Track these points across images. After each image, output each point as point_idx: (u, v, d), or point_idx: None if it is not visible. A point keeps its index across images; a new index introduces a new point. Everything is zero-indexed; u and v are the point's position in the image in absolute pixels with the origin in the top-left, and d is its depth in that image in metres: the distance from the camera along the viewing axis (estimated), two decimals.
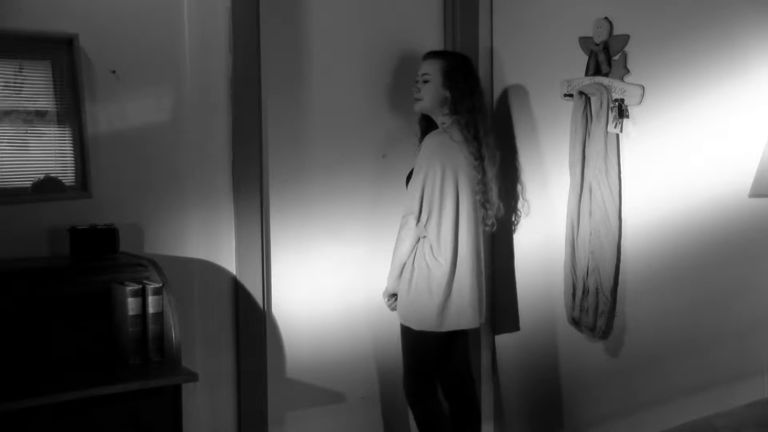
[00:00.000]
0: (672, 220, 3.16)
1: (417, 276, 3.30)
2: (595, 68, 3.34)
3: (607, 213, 3.26)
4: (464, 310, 3.32)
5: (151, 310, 2.79)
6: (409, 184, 3.36)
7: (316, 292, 3.54)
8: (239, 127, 3.27)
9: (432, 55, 3.43)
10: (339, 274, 3.60)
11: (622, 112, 3.24)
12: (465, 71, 3.38)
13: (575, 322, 3.42)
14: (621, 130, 3.25)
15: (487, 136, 3.35)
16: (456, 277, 3.30)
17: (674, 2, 3.12)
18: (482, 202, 3.35)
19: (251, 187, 3.31)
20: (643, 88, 3.19)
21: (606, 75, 3.30)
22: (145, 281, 2.85)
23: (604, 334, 3.37)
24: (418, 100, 3.41)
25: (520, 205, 3.72)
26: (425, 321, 3.30)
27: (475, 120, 3.32)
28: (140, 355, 2.79)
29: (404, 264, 3.33)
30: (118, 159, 3.04)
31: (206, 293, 3.25)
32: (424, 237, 3.30)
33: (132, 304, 2.77)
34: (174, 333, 2.77)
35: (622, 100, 3.24)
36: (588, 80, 3.35)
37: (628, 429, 3.37)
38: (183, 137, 3.18)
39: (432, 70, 3.37)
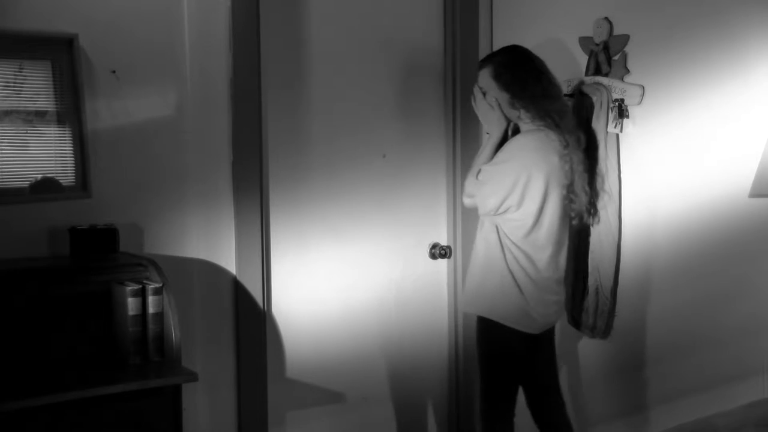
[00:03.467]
0: (672, 220, 3.17)
1: (501, 268, 3.10)
2: (595, 68, 3.34)
3: (607, 213, 3.26)
4: (548, 309, 3.16)
5: (151, 310, 2.79)
6: (493, 168, 3.11)
7: (316, 292, 3.54)
8: (239, 127, 3.27)
9: (481, 64, 3.26)
10: (339, 274, 3.60)
11: (622, 112, 3.24)
12: (512, 64, 3.16)
13: (575, 322, 3.42)
14: (621, 130, 3.25)
15: (564, 119, 3.12)
16: (536, 274, 3.11)
17: (674, 2, 3.12)
18: (568, 195, 3.12)
19: (251, 187, 3.31)
20: (643, 88, 3.20)
21: (606, 75, 3.30)
22: (145, 281, 2.84)
23: (604, 334, 3.37)
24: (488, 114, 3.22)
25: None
26: (512, 317, 3.11)
27: (545, 106, 3.10)
28: (140, 355, 2.79)
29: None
30: (118, 159, 3.04)
31: (206, 293, 3.25)
32: (502, 229, 3.12)
33: (132, 304, 2.77)
34: (174, 333, 2.77)
35: (622, 100, 3.24)
36: (588, 80, 3.35)
37: (628, 429, 3.37)
38: (183, 137, 3.18)
39: (485, 80, 3.19)
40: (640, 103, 3.21)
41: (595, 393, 3.50)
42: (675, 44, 3.10)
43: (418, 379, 3.85)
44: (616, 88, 3.25)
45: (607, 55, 3.30)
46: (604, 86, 3.28)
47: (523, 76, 3.14)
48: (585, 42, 3.38)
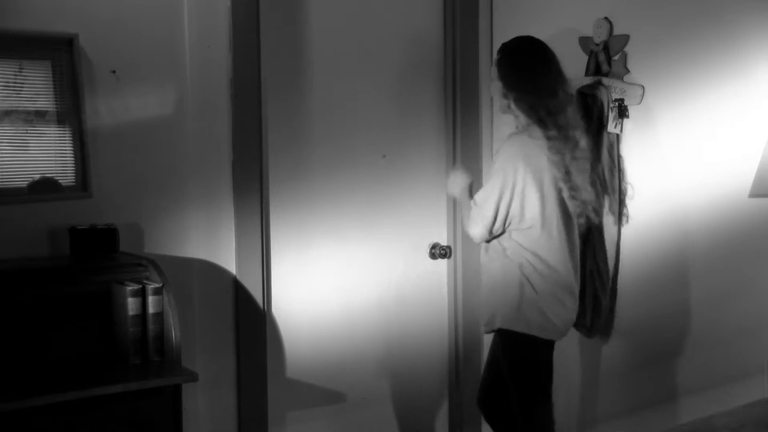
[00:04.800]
0: (672, 220, 3.17)
1: (518, 278, 3.02)
2: (595, 68, 3.34)
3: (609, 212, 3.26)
4: (568, 313, 3.07)
5: (151, 310, 2.79)
6: (486, 193, 3.04)
7: (316, 292, 3.54)
8: (239, 127, 3.27)
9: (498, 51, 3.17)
10: (339, 274, 3.60)
11: (622, 112, 3.24)
12: (513, 54, 3.08)
13: (575, 323, 3.41)
14: (621, 130, 3.25)
15: (554, 116, 2.99)
16: (553, 278, 3.02)
17: (674, 2, 3.12)
18: (570, 193, 3.00)
19: (251, 187, 3.31)
20: (643, 88, 3.20)
21: (606, 75, 3.30)
22: (145, 281, 2.84)
23: (603, 335, 3.36)
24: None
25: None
26: (535, 325, 3.02)
27: (533, 102, 2.99)
28: (140, 355, 2.79)
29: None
30: (118, 159, 3.04)
31: (206, 293, 3.25)
32: (513, 241, 3.04)
33: (132, 304, 2.77)
34: (174, 333, 2.77)
35: (622, 100, 3.24)
36: (588, 80, 3.35)
37: (628, 429, 3.37)
38: (183, 137, 3.18)
39: (494, 68, 3.15)
40: (640, 103, 3.21)
41: (594, 393, 3.50)
42: (675, 44, 3.10)
43: (418, 379, 3.85)
44: (616, 88, 3.25)
45: (607, 55, 3.30)
46: (604, 86, 3.28)
47: (518, 68, 3.06)
48: (585, 42, 3.38)
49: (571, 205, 3.03)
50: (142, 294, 2.79)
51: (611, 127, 3.25)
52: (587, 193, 3.05)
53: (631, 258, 3.29)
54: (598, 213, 3.18)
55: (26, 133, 2.86)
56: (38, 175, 2.90)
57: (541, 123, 2.99)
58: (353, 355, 3.66)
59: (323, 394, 3.59)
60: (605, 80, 3.28)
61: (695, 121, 3.07)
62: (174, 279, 2.93)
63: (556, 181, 2.99)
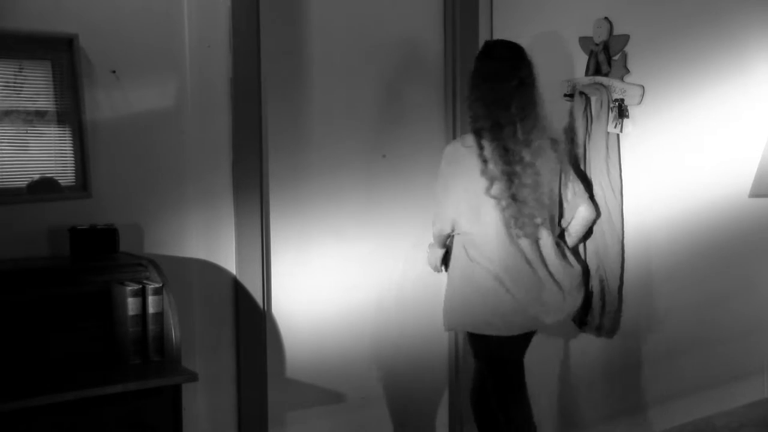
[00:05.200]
0: (672, 221, 3.17)
1: (472, 281, 3.13)
2: (595, 68, 3.34)
3: (611, 213, 3.25)
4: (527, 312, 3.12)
5: (151, 310, 2.79)
6: (435, 194, 3.22)
7: (316, 292, 3.54)
8: (239, 127, 3.27)
9: None
10: (339, 274, 3.60)
11: (622, 112, 3.24)
12: (481, 57, 3.13)
13: (580, 322, 3.41)
14: (621, 130, 3.25)
15: (505, 128, 3.00)
16: (509, 281, 3.08)
17: (674, 2, 3.12)
18: (507, 203, 3.02)
19: (251, 187, 3.31)
20: (643, 88, 3.20)
21: (606, 75, 3.30)
22: (145, 281, 2.85)
23: (610, 333, 3.36)
24: None
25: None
26: (485, 323, 3.12)
27: (487, 111, 3.01)
28: (140, 355, 2.79)
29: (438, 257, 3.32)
30: (118, 159, 3.05)
31: (206, 293, 3.25)
32: (463, 239, 3.14)
33: (132, 304, 2.77)
34: (174, 333, 2.77)
35: (622, 100, 3.24)
36: (588, 80, 3.35)
37: (628, 429, 3.37)
38: (183, 137, 3.18)
39: None
40: (640, 103, 3.21)
41: (595, 392, 3.50)
42: (675, 44, 3.10)
43: (418, 379, 3.85)
44: (616, 88, 3.25)
45: (607, 55, 3.30)
46: (604, 86, 3.28)
47: (476, 73, 3.10)
48: (585, 42, 3.38)
49: (508, 216, 3.03)
50: (142, 294, 2.79)
51: (611, 128, 3.25)
52: (527, 207, 3.03)
53: (631, 258, 3.29)
54: (539, 225, 3.09)
55: (26, 133, 2.86)
56: (38, 175, 2.90)
57: (478, 133, 3.06)
58: (353, 355, 3.66)
59: (323, 394, 3.59)
60: (605, 80, 3.28)
61: (695, 120, 3.07)
62: (174, 279, 2.93)
63: (496, 189, 3.03)
